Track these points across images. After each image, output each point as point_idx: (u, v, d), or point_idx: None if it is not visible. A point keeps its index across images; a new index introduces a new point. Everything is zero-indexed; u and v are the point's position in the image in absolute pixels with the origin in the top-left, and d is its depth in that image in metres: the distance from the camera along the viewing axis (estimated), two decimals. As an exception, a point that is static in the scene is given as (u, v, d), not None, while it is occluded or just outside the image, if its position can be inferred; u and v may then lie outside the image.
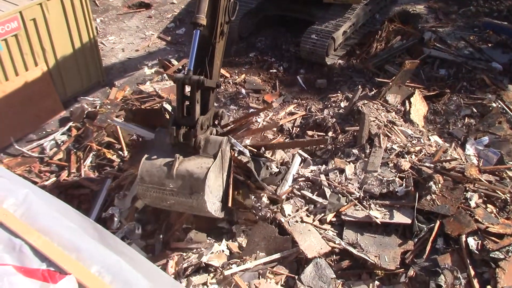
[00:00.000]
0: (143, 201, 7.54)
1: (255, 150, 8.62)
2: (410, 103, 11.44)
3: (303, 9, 14.27)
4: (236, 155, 7.94)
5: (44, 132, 11.68)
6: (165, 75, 13.23)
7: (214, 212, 7.21)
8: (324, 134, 10.61)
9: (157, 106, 11.75)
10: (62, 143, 11.27)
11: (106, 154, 10.68)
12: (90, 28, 12.37)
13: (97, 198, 9.41)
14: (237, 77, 13.25)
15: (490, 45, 14.08)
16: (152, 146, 7.40)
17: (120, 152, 10.73)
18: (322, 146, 10.00)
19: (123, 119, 10.77)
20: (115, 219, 8.70)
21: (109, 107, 12.17)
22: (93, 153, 10.77)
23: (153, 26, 15.83)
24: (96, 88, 13.02)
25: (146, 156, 7.03)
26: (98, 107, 12.15)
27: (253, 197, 8.28)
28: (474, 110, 11.78)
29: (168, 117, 9.58)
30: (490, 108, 11.66)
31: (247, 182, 8.12)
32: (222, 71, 12.84)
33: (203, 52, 7.32)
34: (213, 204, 7.13)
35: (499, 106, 11.74)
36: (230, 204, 7.61)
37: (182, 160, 6.90)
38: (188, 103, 7.01)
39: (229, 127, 8.78)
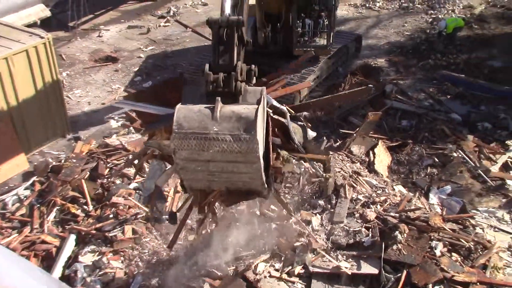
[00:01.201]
0: (177, 158, 6.01)
1: (293, 112, 7.53)
2: (374, 153, 11.67)
3: (269, 62, 14.52)
4: (271, 114, 6.93)
5: (6, 187, 11.38)
6: (131, 128, 13.17)
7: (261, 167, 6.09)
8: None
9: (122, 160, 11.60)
10: (25, 198, 10.98)
11: (70, 209, 10.42)
12: (56, 82, 12.34)
13: (60, 254, 9.14)
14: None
15: (449, 96, 14.60)
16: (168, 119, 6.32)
17: (85, 207, 10.50)
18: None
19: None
20: (79, 275, 8.46)
21: (74, 161, 11.95)
22: (57, 208, 10.51)
23: (119, 79, 15.91)
24: (61, 142, 12.88)
25: (180, 104, 6.04)
26: (63, 161, 11.95)
27: (294, 160, 7.38)
28: (436, 160, 12.04)
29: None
30: (451, 158, 11.96)
31: (285, 144, 7.08)
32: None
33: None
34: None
35: (460, 155, 12.05)
36: (271, 167, 6.51)
37: (223, 105, 5.94)
38: (223, 48, 6.25)
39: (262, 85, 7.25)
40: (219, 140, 5.76)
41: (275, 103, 6.99)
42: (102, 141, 12.68)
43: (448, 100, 14.42)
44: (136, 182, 10.98)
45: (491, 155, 12.27)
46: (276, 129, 6.89)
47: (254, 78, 6.50)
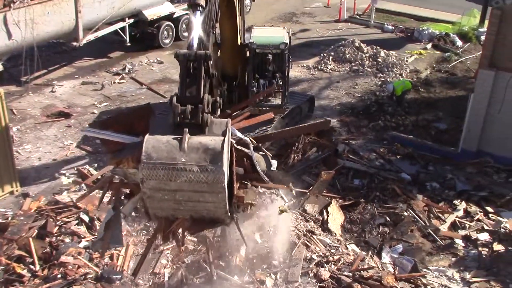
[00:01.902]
0: (144, 187, 6.20)
1: (255, 142, 7.81)
2: (327, 212, 11.81)
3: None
4: (235, 145, 7.23)
5: None
6: (83, 185, 12.94)
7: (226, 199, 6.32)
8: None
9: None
10: (-34, 258, 10.50)
11: (16, 269, 10.01)
12: (6, 137, 12.13)
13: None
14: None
15: (398, 157, 15.05)
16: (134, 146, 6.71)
17: (32, 266, 10.10)
18: None
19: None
20: None
21: (21, 218, 11.58)
22: (1, 267, 10.08)
23: (72, 135, 15.71)
24: (9, 198, 12.53)
25: (148, 133, 6.24)
26: (9, 219, 11.56)
27: (256, 190, 7.63)
28: (388, 218, 12.28)
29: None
30: (402, 217, 12.23)
31: (249, 174, 7.40)
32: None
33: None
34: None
35: (410, 215, 12.35)
36: (233, 198, 6.81)
37: (190, 136, 6.14)
38: (190, 81, 6.51)
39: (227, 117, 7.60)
40: (186, 170, 5.94)
41: (239, 134, 7.36)
42: (52, 198, 12.40)
43: (398, 160, 14.85)
44: (86, 241, 10.72)
45: (440, 215, 12.65)
46: (240, 159, 7.19)
47: (219, 109, 6.72)
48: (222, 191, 6.11)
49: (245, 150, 7.38)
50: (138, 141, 6.53)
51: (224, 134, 6.26)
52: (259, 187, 7.74)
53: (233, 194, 6.70)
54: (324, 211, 11.90)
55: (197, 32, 6.81)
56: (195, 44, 6.71)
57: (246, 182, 7.36)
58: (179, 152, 5.97)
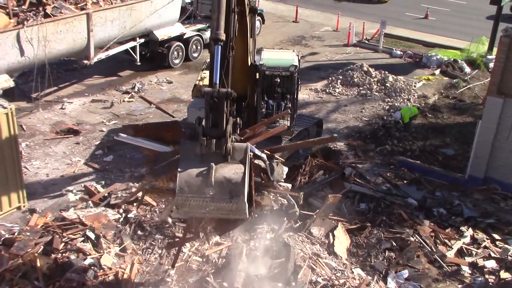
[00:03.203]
0: (179, 212, 7.63)
1: (268, 153, 9.31)
2: (334, 235, 11.79)
3: None
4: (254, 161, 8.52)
5: (-47, 261, 10.89)
6: (90, 202, 13.01)
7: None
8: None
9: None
10: (-29, 272, 10.53)
11: (20, 284, 10.02)
12: (15, 152, 12.24)
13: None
14: (163, 205, 13.23)
15: (405, 182, 15.06)
16: (166, 157, 8.23)
17: (36, 282, 10.11)
18: None
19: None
20: None
21: (28, 234, 11.63)
22: (6, 283, 10.09)
23: (80, 152, 15.85)
24: (16, 213, 12.62)
25: (179, 169, 7.31)
26: (16, 234, 11.60)
27: (271, 196, 9.17)
28: (394, 243, 12.23)
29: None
30: (409, 242, 12.18)
31: (263, 182, 8.96)
32: (148, 199, 12.88)
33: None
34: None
35: (417, 240, 12.30)
36: (253, 204, 8.06)
37: (216, 168, 7.24)
38: (214, 116, 7.39)
39: (246, 135, 9.24)
40: (214, 202, 7.22)
41: (256, 151, 8.64)
42: (59, 214, 12.46)
43: (405, 185, 14.86)
44: (91, 258, 10.73)
45: (446, 241, 12.59)
46: (257, 171, 8.59)
47: (238, 129, 7.96)
48: (244, 214, 7.40)
49: (262, 164, 8.81)
50: (170, 154, 8.38)
51: (244, 161, 7.36)
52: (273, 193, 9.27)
53: (252, 200, 7.84)
54: (330, 234, 11.89)
55: (218, 68, 7.51)
56: (218, 81, 7.44)
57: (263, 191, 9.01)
58: (207, 187, 7.13)
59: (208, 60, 16.34)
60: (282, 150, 10.43)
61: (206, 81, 14.33)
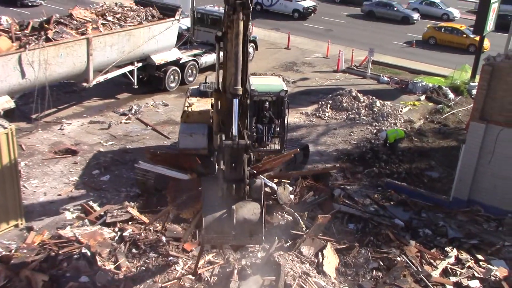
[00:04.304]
0: (204, 245, 9.67)
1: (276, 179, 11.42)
2: (323, 255, 12.05)
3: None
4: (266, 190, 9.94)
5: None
6: (86, 220, 13.24)
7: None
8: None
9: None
10: (-32, 289, 10.71)
11: (19, 300, 10.24)
12: (14, 171, 12.49)
13: None
14: (157, 224, 13.44)
15: (392, 203, 15.42)
16: (185, 185, 9.84)
17: (33, 299, 10.33)
18: None
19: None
20: None
21: (25, 251, 11.83)
22: (4, 298, 10.31)
23: (77, 172, 16.11)
24: (13, 231, 12.80)
25: (203, 210, 8.27)
26: (13, 251, 11.80)
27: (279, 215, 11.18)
28: (381, 263, 12.42)
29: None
30: (395, 262, 12.38)
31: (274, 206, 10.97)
32: (143, 218, 13.17)
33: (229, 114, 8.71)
34: None
35: (403, 260, 12.53)
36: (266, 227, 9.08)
37: (236, 208, 8.15)
38: (234, 165, 8.11)
39: (258, 169, 10.50)
40: (236, 239, 8.41)
41: (268, 183, 10.42)
42: (56, 232, 12.63)
43: (392, 206, 15.21)
44: (86, 276, 10.90)
45: (432, 261, 12.76)
46: (268, 196, 10.35)
47: (251, 164, 8.67)
48: (260, 242, 8.64)
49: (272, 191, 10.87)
50: (189, 182, 10.22)
51: (260, 198, 8.37)
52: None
53: (264, 221, 8.55)
54: (320, 253, 12.09)
55: (237, 121, 8.22)
56: (235, 133, 8.13)
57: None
58: (230, 227, 8.10)
59: (192, 87, 16.96)
60: (289, 177, 12.02)
61: (195, 108, 14.82)
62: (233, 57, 8.62)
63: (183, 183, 10.26)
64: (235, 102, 8.22)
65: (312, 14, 40.84)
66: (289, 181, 12.74)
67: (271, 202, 10.61)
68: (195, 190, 10.37)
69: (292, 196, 11.61)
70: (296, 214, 11.94)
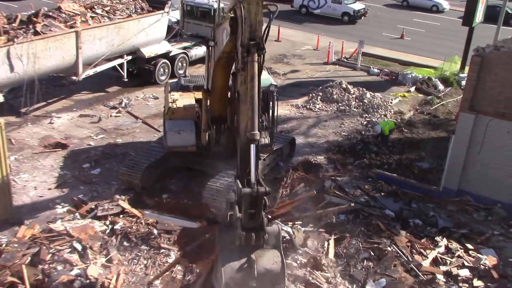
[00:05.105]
0: None
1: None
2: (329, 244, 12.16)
3: (211, 163, 14.76)
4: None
5: None
6: (77, 214, 13.21)
7: None
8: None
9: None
10: (-40, 283, 10.67)
11: (8, 293, 10.21)
12: (4, 166, 12.44)
13: None
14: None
15: (383, 194, 15.45)
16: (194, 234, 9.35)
17: (24, 293, 10.30)
18: None
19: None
20: None
21: (16, 245, 11.77)
22: (-6, 293, 10.29)
23: (68, 165, 16.06)
24: (4, 225, 12.75)
25: (221, 261, 7.70)
26: (4, 246, 11.73)
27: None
28: (372, 253, 12.47)
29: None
30: (386, 252, 12.45)
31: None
32: (134, 211, 13.15)
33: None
34: None
35: (394, 250, 12.62)
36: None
37: (255, 258, 7.60)
38: (253, 212, 7.66)
39: (274, 214, 10.77)
40: None
41: (284, 227, 10.39)
42: (46, 226, 12.58)
43: (382, 197, 15.22)
44: (78, 269, 10.93)
45: (422, 250, 12.82)
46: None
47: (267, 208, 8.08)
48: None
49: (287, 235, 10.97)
50: (198, 230, 9.95)
51: (278, 245, 7.88)
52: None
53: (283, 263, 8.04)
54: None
55: (254, 168, 7.77)
56: (254, 180, 7.65)
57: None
58: (251, 279, 7.54)
59: (170, 81, 16.77)
60: (304, 218, 11.91)
61: (179, 103, 14.65)
62: (248, 101, 8.10)
63: (191, 231, 9.91)
64: (253, 148, 7.82)
65: (362, 18, 39.32)
66: (301, 222, 12.38)
67: (285, 245, 10.21)
68: (205, 238, 10.12)
69: (302, 230, 11.48)
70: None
